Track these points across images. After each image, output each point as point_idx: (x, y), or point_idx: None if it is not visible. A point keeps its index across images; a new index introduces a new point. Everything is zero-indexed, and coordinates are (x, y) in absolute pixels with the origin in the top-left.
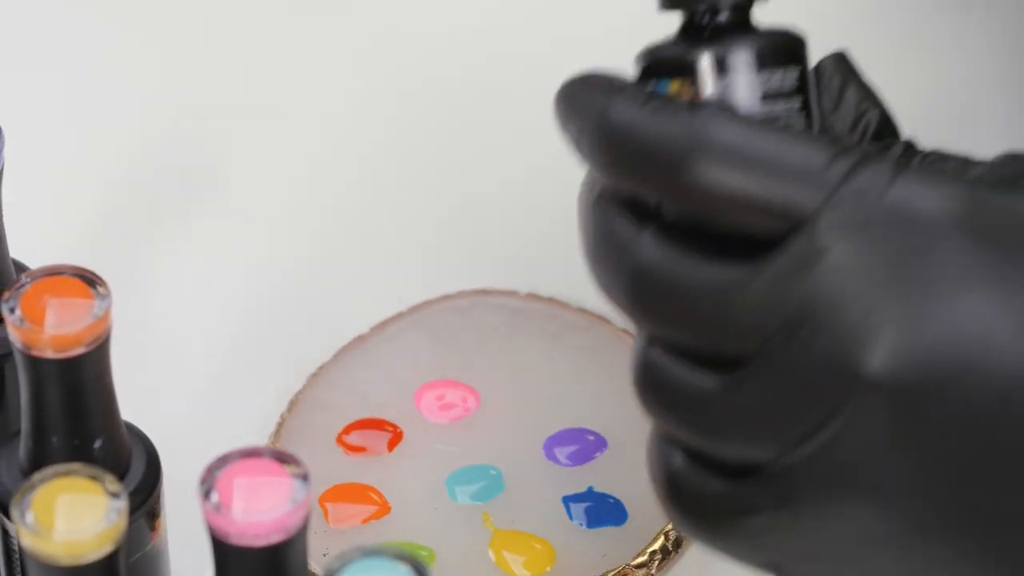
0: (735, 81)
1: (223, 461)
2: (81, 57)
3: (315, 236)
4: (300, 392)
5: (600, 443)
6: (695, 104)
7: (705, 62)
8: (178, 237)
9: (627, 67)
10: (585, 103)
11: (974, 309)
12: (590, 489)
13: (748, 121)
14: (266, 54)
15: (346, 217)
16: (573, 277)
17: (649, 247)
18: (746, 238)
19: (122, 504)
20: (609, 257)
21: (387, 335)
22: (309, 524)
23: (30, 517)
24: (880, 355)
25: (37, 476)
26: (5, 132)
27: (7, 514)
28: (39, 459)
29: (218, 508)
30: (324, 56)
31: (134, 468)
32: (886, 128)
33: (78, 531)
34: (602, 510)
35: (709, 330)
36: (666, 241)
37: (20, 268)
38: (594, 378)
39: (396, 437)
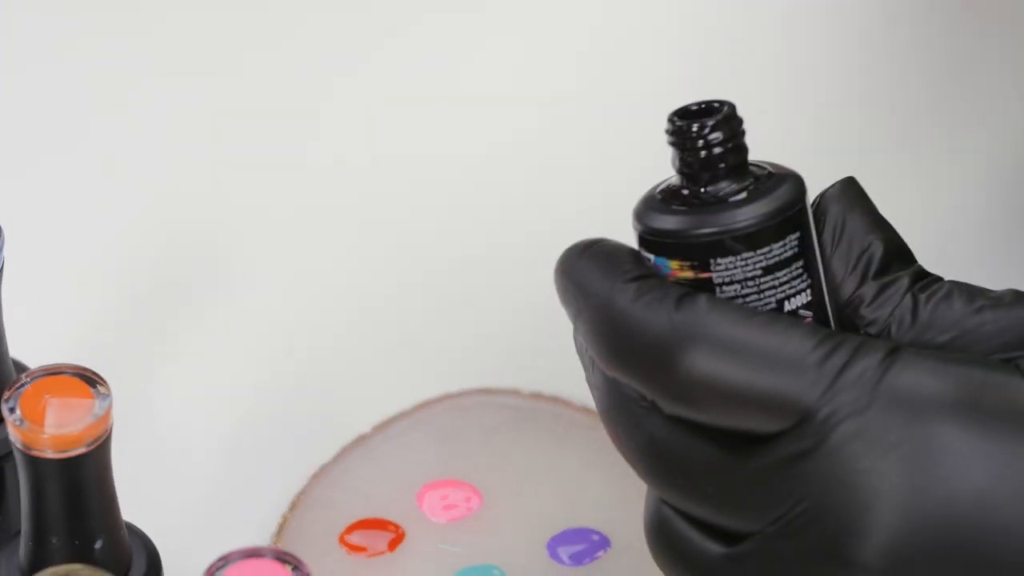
0: (736, 263)
1: (225, 561)
2: (82, 156)
3: (317, 334)
4: (302, 491)
5: (603, 542)
6: (685, 295)
7: (705, 246)
8: (178, 337)
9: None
10: (582, 285)
11: (971, 492)
12: None
13: (741, 314)
14: (269, 150)
15: (348, 315)
16: (578, 376)
17: (659, 423)
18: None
19: None
20: (622, 424)
21: (389, 434)
22: None
23: None
24: (875, 545)
25: None
26: (5, 231)
27: None
28: (39, 559)
29: None
30: (327, 154)
31: (135, 568)
32: (893, 257)
33: None
34: None
35: (713, 508)
36: (674, 424)
37: (20, 368)
38: (598, 478)
39: (398, 537)
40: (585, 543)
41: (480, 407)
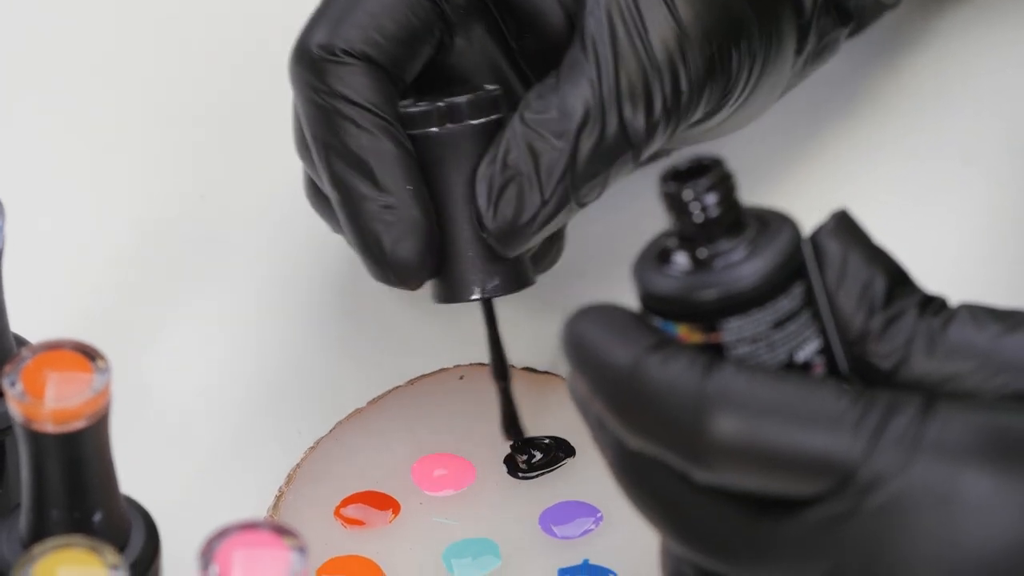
0: (745, 322)
1: (222, 534)
2: (82, 133)
3: (314, 310)
4: (298, 465)
5: (596, 516)
6: (713, 361)
7: (712, 308)
8: (177, 312)
9: None
10: (597, 359)
11: (1012, 544)
12: (586, 562)
13: (771, 378)
14: (270, 131)
15: (345, 291)
16: None
17: (684, 488)
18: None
19: None
20: (639, 484)
21: (384, 409)
22: None
23: None
24: None
25: (37, 548)
26: (6, 207)
27: None
28: (39, 532)
29: None
30: None
31: (133, 540)
32: (896, 285)
33: None
34: None
35: (744, 571)
36: (700, 490)
37: (20, 342)
38: (591, 451)
39: (394, 510)
40: (578, 516)
41: (474, 382)
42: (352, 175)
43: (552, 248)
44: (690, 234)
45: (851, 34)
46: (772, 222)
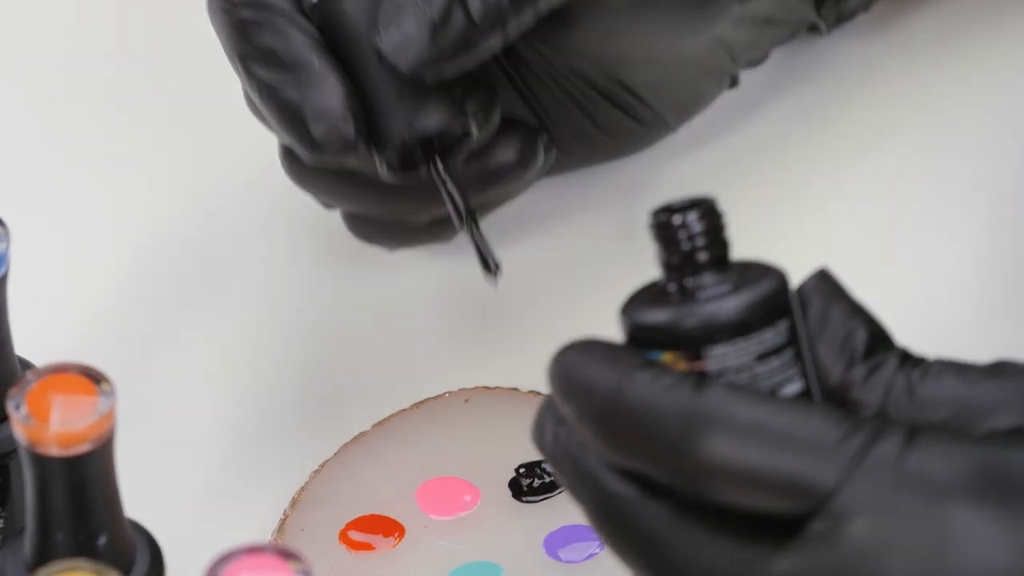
0: (729, 351)
1: (227, 557)
2: (87, 152)
3: (318, 331)
4: (302, 489)
5: (600, 541)
6: (701, 380)
7: (697, 335)
8: (180, 335)
9: None
10: (586, 382)
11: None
12: None
13: (757, 398)
14: (273, 152)
15: (350, 313)
16: None
17: (661, 519)
18: (761, 517)
19: None
20: (618, 525)
21: (389, 432)
22: None
23: None
24: None
25: (42, 572)
26: (11, 229)
27: None
28: (44, 555)
29: None
30: None
31: (138, 565)
32: (877, 341)
33: None
34: None
35: None
36: (680, 514)
37: (25, 365)
38: None
39: (398, 534)
40: (582, 540)
41: (479, 405)
42: (265, 70)
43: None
44: (677, 263)
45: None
46: (760, 267)
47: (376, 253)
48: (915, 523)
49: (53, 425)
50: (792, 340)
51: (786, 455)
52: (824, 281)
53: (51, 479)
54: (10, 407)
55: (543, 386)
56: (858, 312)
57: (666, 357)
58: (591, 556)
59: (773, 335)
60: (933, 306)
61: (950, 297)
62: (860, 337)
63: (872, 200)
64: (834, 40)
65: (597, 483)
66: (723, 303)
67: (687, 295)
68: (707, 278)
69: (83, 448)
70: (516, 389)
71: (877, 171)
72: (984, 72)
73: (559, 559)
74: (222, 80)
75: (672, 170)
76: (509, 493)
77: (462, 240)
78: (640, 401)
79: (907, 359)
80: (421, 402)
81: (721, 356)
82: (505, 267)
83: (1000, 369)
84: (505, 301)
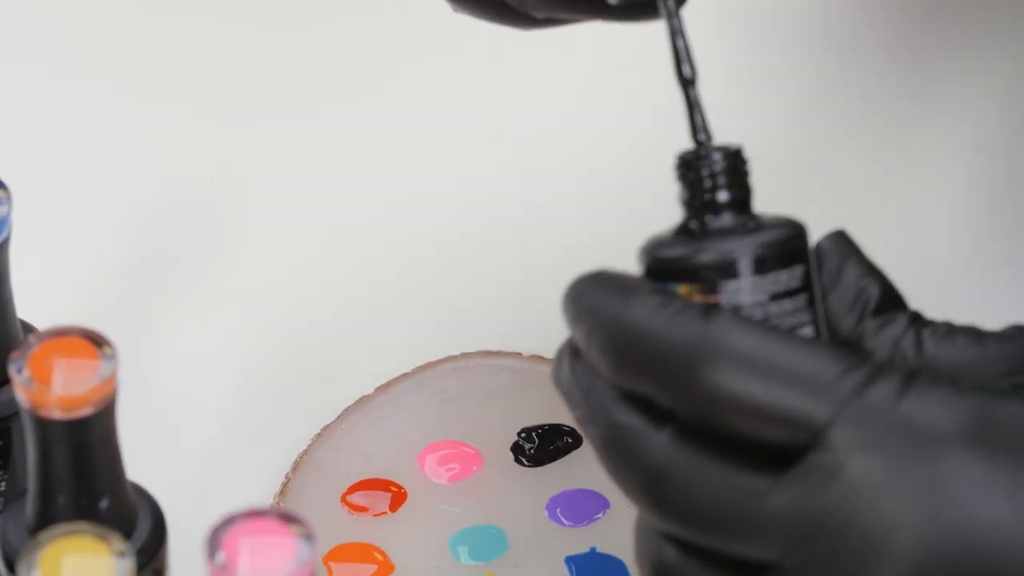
0: (744, 286)
1: (229, 521)
2: (90, 120)
3: (321, 297)
4: (305, 452)
5: (602, 503)
6: (710, 308)
7: (713, 268)
8: (184, 298)
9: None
10: (596, 305)
11: (987, 521)
12: (592, 549)
13: (762, 329)
14: (278, 117)
15: (351, 279)
16: None
17: (664, 449)
18: (762, 445)
19: (128, 563)
20: (625, 453)
21: (391, 396)
22: None
23: None
24: (893, 570)
25: (44, 535)
26: (13, 194)
27: (15, 572)
28: (46, 518)
29: (224, 568)
30: (333, 122)
31: (140, 527)
32: (888, 302)
33: None
34: (604, 571)
35: (725, 538)
36: (682, 443)
37: (27, 329)
38: None
39: (400, 497)
40: (584, 504)
41: (481, 369)
42: None
43: None
44: (699, 202)
45: None
46: (780, 217)
47: (382, 220)
48: (908, 465)
49: (55, 388)
50: (806, 286)
51: (784, 387)
52: (840, 240)
53: (53, 442)
54: (12, 370)
55: (545, 351)
56: (872, 271)
57: (682, 289)
58: (593, 520)
59: (788, 277)
60: (930, 279)
61: (948, 267)
62: (873, 294)
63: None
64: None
65: (605, 413)
66: (741, 240)
67: (706, 231)
68: (727, 218)
69: (85, 411)
70: (518, 354)
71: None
72: (977, 38)
73: (562, 523)
74: (227, 46)
75: None
76: (511, 457)
77: (468, 218)
78: (647, 324)
79: (918, 319)
80: (423, 366)
81: (735, 291)
82: (511, 234)
83: (1011, 334)
84: (507, 267)
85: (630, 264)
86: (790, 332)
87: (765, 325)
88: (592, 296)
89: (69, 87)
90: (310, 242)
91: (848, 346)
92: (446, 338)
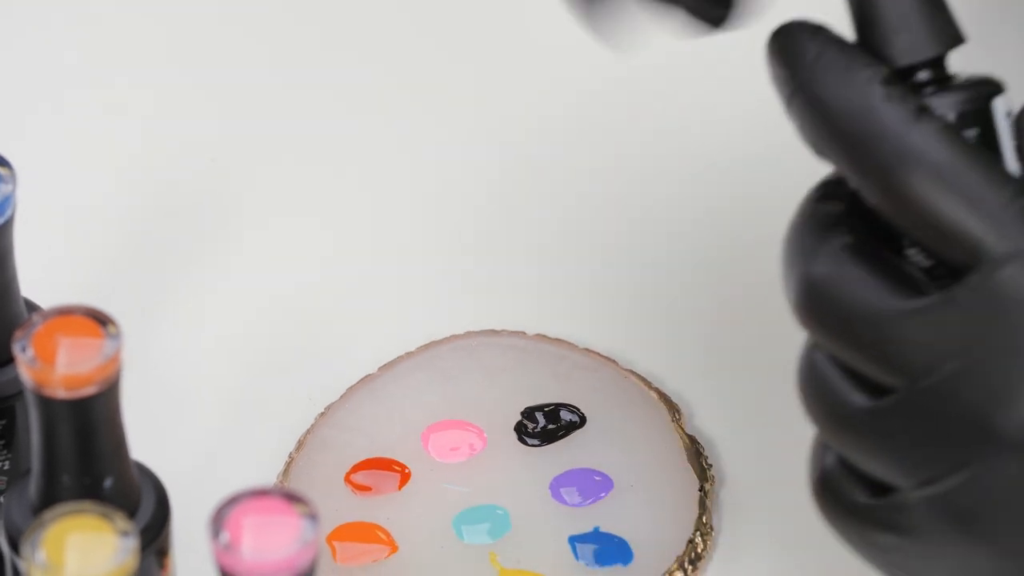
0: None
1: (233, 500)
2: (93, 96)
3: (325, 276)
4: (308, 431)
5: (606, 483)
6: (927, 114)
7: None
8: (188, 278)
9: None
10: (814, 67)
11: None
12: (596, 529)
13: (964, 148)
14: (279, 94)
15: (355, 258)
16: (581, 318)
17: (826, 260)
18: (933, 258)
19: (132, 542)
20: (790, 261)
21: (395, 375)
22: (318, 563)
23: (41, 555)
24: (1019, 416)
25: (48, 514)
26: (17, 173)
27: (18, 552)
28: (50, 497)
29: (228, 547)
30: (336, 95)
31: (144, 507)
32: None
33: (88, 569)
34: (608, 550)
35: (866, 355)
36: (844, 256)
37: (32, 307)
38: (601, 419)
39: (404, 476)
40: (588, 484)
41: (485, 348)
42: None
43: None
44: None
45: None
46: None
47: (385, 198)
48: None
49: (59, 367)
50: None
51: (963, 208)
52: None
53: (57, 421)
54: (16, 349)
55: (548, 330)
56: None
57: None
58: (597, 500)
59: (1003, 102)
60: None
61: None
62: None
63: None
64: None
65: (801, 211)
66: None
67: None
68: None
69: (89, 390)
70: (522, 333)
71: None
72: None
73: (565, 502)
74: (230, 23)
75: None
76: (515, 437)
77: (472, 194)
78: (873, 112)
79: None
80: (427, 345)
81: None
82: (514, 210)
83: None
84: (513, 247)
85: (631, 251)
86: (986, 153)
87: (966, 143)
88: (809, 56)
89: (75, 64)
90: (314, 218)
91: None
92: (450, 317)
